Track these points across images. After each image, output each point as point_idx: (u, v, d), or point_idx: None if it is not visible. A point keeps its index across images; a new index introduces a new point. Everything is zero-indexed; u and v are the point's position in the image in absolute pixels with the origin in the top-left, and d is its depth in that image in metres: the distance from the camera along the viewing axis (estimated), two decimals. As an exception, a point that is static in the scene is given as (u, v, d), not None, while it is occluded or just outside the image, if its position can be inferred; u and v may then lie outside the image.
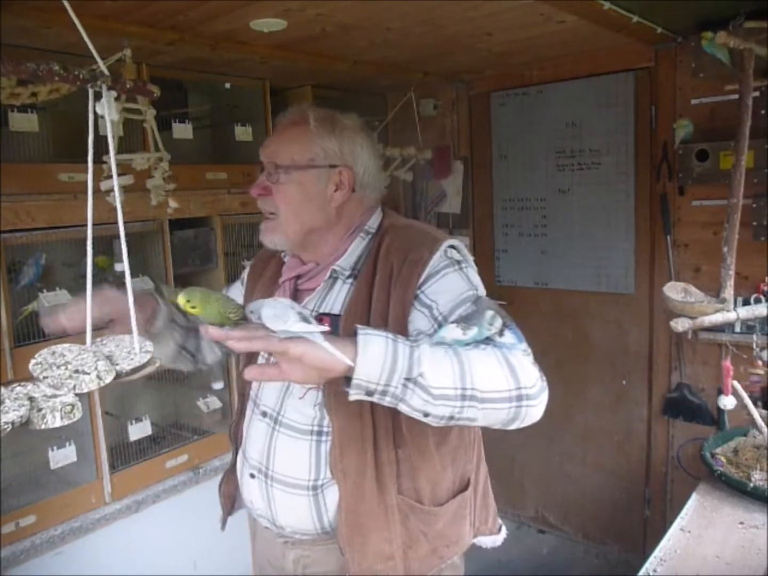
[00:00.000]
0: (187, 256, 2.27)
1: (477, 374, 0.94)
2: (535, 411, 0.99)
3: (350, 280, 1.20)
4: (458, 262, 1.16)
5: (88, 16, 1.46)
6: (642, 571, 1.30)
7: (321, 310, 1.20)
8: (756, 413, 1.70)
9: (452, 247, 1.19)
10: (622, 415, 2.71)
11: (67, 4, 0.92)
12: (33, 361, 0.91)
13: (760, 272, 2.11)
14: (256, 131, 2.40)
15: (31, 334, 1.86)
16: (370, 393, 0.93)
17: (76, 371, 0.89)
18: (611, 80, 2.51)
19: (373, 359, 0.90)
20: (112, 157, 0.90)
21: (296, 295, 1.24)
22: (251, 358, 1.30)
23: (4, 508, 1.81)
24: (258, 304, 0.92)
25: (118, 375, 0.92)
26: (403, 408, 0.95)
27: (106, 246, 2.08)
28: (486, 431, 1.18)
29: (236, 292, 1.46)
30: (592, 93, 2.57)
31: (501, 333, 1.01)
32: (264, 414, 1.25)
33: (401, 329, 1.08)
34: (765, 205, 2.08)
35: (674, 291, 1.79)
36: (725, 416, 2.31)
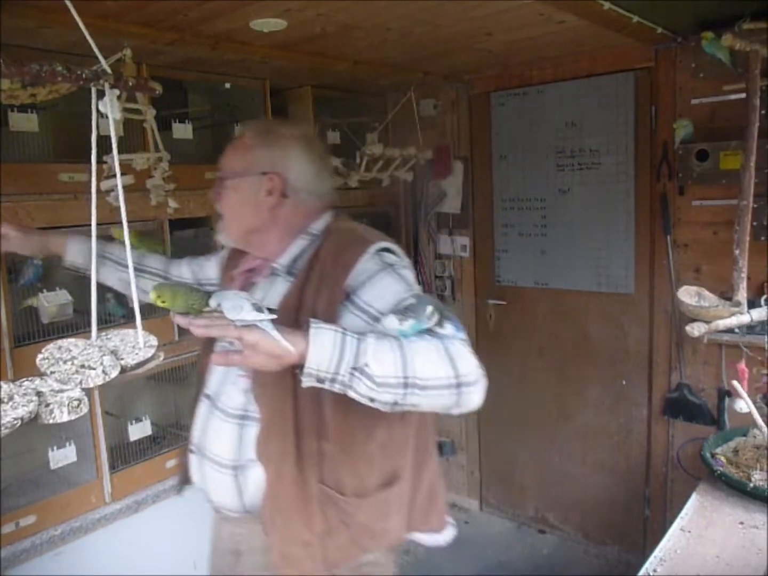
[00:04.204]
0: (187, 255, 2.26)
1: (418, 364, 1.03)
2: (473, 397, 1.07)
3: (290, 278, 1.30)
4: (391, 265, 1.22)
5: (88, 15, 1.44)
6: (642, 571, 1.30)
7: (262, 304, 1.29)
8: (756, 412, 1.70)
9: (386, 249, 1.25)
10: (622, 415, 2.71)
11: (69, 4, 0.92)
12: (40, 356, 0.92)
13: (762, 272, 2.11)
14: (256, 131, 2.40)
15: (31, 334, 1.86)
16: (321, 380, 1.01)
17: (82, 366, 0.90)
18: (611, 80, 2.52)
19: (323, 350, 0.99)
20: (115, 156, 0.90)
21: (246, 287, 1.37)
22: (207, 346, 1.42)
23: (4, 508, 1.80)
24: (220, 296, 1.03)
25: (123, 370, 0.93)
26: (351, 394, 1.03)
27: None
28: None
29: (212, 269, 1.59)
30: (592, 93, 2.57)
31: (441, 324, 1.08)
32: (207, 396, 1.37)
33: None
34: (765, 205, 2.08)
35: (688, 295, 1.78)
36: (725, 416, 2.32)
